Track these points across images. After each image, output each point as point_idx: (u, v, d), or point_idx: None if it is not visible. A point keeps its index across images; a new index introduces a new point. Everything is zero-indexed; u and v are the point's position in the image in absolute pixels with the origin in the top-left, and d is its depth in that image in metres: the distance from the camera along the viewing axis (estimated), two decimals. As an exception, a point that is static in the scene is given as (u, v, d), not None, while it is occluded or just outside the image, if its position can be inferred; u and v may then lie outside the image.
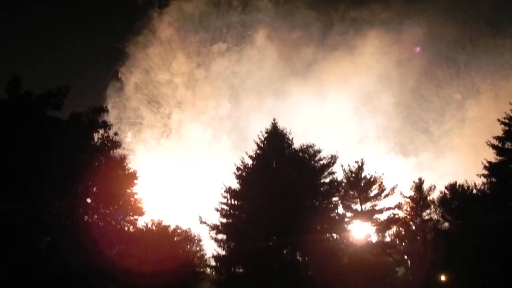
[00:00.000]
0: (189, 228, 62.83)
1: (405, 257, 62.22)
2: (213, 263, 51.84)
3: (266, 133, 50.02)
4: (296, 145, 50.20)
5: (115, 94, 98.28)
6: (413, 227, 60.06)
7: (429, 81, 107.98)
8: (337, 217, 51.91)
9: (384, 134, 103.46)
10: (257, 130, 50.72)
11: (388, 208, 55.19)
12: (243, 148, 51.74)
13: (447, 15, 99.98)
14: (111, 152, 45.21)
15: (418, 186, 59.57)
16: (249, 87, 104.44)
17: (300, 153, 49.80)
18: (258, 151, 49.65)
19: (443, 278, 59.20)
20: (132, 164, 51.38)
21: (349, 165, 55.22)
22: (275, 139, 49.52)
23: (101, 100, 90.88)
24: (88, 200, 44.06)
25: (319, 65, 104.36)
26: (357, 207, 54.42)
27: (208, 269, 57.30)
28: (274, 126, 50.13)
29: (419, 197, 58.93)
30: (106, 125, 43.78)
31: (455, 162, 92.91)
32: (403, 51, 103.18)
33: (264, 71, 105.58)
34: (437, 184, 61.12)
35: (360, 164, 55.42)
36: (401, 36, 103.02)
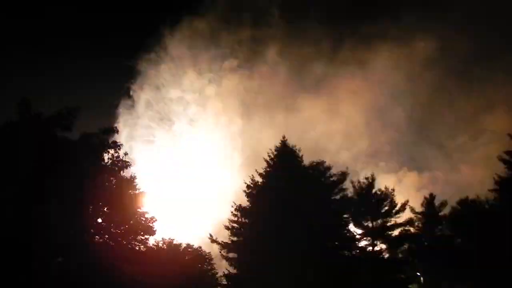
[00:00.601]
0: (200, 247, 62.67)
1: (418, 273, 61.68)
2: (224, 282, 51.87)
3: (275, 150, 50.15)
4: (306, 161, 50.37)
5: (126, 112, 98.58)
6: (426, 243, 59.58)
7: (441, 95, 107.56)
8: (348, 234, 51.79)
9: (396, 148, 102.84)
10: (269, 147, 51.05)
11: (400, 225, 54.90)
12: (255, 165, 51.74)
13: (460, 29, 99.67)
14: (122, 172, 45.49)
15: (429, 202, 59.19)
16: (261, 103, 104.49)
17: (310, 170, 49.86)
18: (268, 169, 49.77)
19: (456, 294, 58.76)
20: (144, 182, 51.55)
21: (359, 182, 55.11)
22: (285, 156, 49.64)
23: (113, 119, 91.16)
24: (99, 220, 44.31)
25: (330, 80, 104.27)
26: (368, 223, 54.15)
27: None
28: (284, 143, 50.27)
29: (431, 213, 58.51)
30: (116, 145, 44.06)
31: (470, 177, 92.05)
32: (415, 65, 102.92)
33: (275, 87, 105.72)
34: (453, 199, 60.67)
35: (371, 181, 55.22)
36: (413, 50, 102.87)
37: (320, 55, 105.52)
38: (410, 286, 60.23)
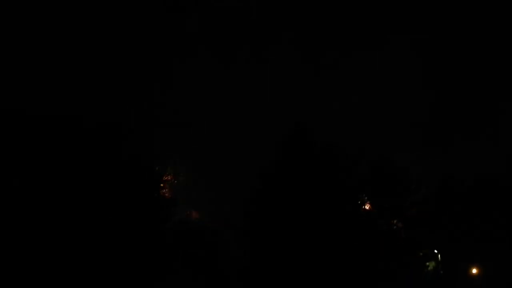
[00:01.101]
0: (214, 231, 62.89)
1: (435, 251, 61.78)
2: (240, 267, 52.23)
3: (287, 137, 50.22)
4: (319, 145, 50.29)
5: (142, 97, 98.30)
6: (443, 222, 59.48)
7: (462, 74, 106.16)
8: (363, 214, 51.90)
9: (414, 127, 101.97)
10: (283, 133, 50.94)
11: (416, 203, 54.92)
12: (269, 152, 51.73)
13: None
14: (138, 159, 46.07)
15: (446, 180, 58.93)
16: (275, 89, 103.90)
17: (323, 154, 49.83)
18: (280, 154, 49.81)
19: (474, 271, 58.78)
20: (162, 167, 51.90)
21: (375, 161, 54.89)
22: (297, 142, 49.72)
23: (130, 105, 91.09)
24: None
25: (346, 64, 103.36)
26: (385, 203, 54.13)
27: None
28: (296, 129, 50.30)
29: (448, 191, 58.29)
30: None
31: (488, 155, 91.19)
32: (434, 45, 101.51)
33: (289, 73, 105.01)
34: (471, 177, 60.32)
35: (386, 160, 55.13)
36: (432, 33, 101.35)
37: (334, 39, 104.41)
38: (428, 263, 60.55)
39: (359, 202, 50.61)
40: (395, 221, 54.83)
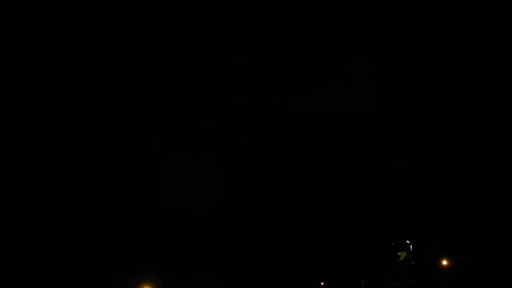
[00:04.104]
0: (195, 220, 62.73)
1: (407, 241, 62.90)
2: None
3: (280, 139, 50.24)
4: (312, 147, 50.55)
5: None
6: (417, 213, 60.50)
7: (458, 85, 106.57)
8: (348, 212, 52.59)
9: (401, 133, 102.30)
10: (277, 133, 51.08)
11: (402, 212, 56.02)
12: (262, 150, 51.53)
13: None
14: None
15: (434, 188, 59.72)
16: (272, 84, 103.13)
17: (315, 157, 50.06)
18: (271, 157, 49.83)
19: (444, 262, 60.02)
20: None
21: (363, 167, 55.18)
22: (288, 144, 49.79)
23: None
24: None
25: (343, 64, 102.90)
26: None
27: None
28: (287, 131, 50.29)
29: (433, 198, 59.13)
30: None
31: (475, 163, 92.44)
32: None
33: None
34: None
35: (374, 166, 55.65)
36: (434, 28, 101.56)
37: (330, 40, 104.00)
38: (399, 253, 61.71)
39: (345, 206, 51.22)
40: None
